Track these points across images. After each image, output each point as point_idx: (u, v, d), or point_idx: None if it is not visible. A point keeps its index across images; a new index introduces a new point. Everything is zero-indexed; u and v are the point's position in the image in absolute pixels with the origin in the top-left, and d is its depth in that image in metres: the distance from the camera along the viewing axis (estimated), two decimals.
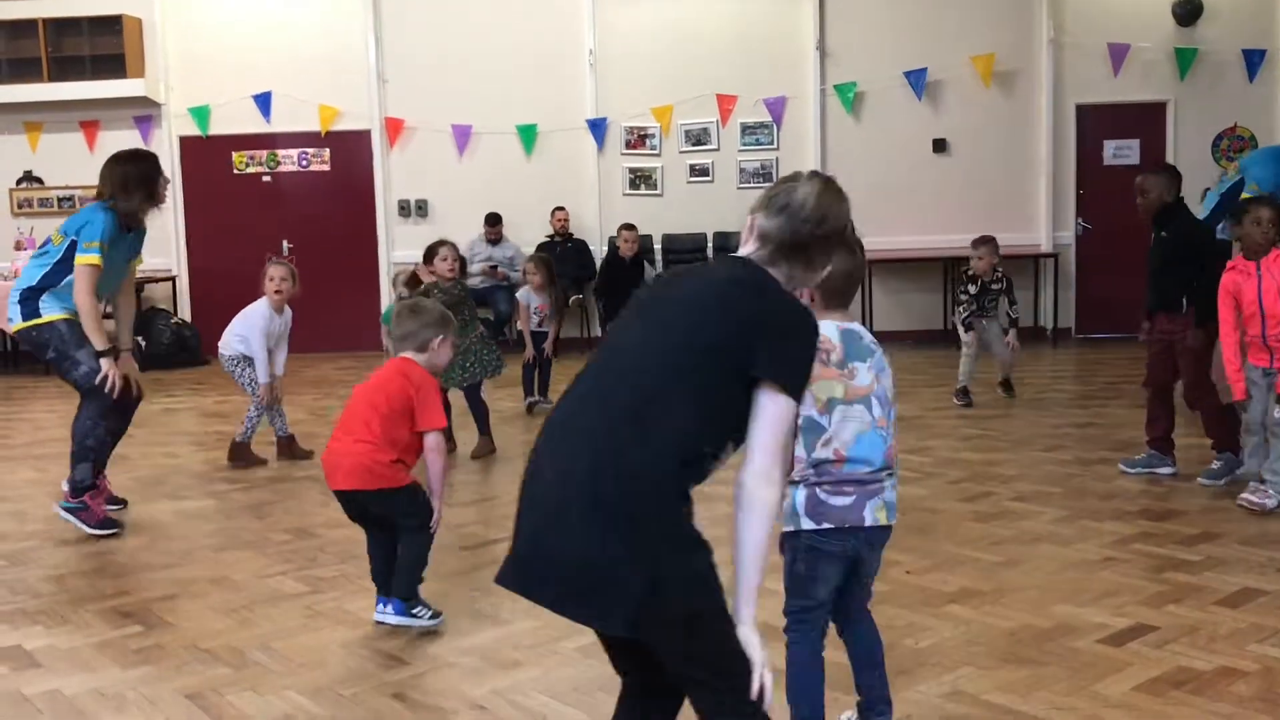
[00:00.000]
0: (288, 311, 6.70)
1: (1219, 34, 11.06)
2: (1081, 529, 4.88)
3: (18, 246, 10.77)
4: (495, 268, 10.89)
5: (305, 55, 11.53)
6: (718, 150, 11.55)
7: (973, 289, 8.06)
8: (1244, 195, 6.38)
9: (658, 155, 11.59)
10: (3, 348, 11.48)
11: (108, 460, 5.45)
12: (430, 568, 4.01)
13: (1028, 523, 5.01)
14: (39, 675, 3.62)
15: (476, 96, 11.43)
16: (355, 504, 3.97)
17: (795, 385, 2.15)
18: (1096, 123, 11.36)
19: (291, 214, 11.93)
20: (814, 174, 2.33)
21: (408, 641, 3.82)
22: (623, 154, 11.58)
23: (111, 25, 11.34)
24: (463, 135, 11.53)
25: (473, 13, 11.44)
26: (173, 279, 11.91)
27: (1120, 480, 5.71)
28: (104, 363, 5.17)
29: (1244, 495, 5.16)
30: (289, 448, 6.72)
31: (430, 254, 7.10)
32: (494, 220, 11.05)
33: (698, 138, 11.54)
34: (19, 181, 11.97)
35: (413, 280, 7.40)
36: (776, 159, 11.50)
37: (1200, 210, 7.12)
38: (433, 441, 3.93)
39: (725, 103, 11.40)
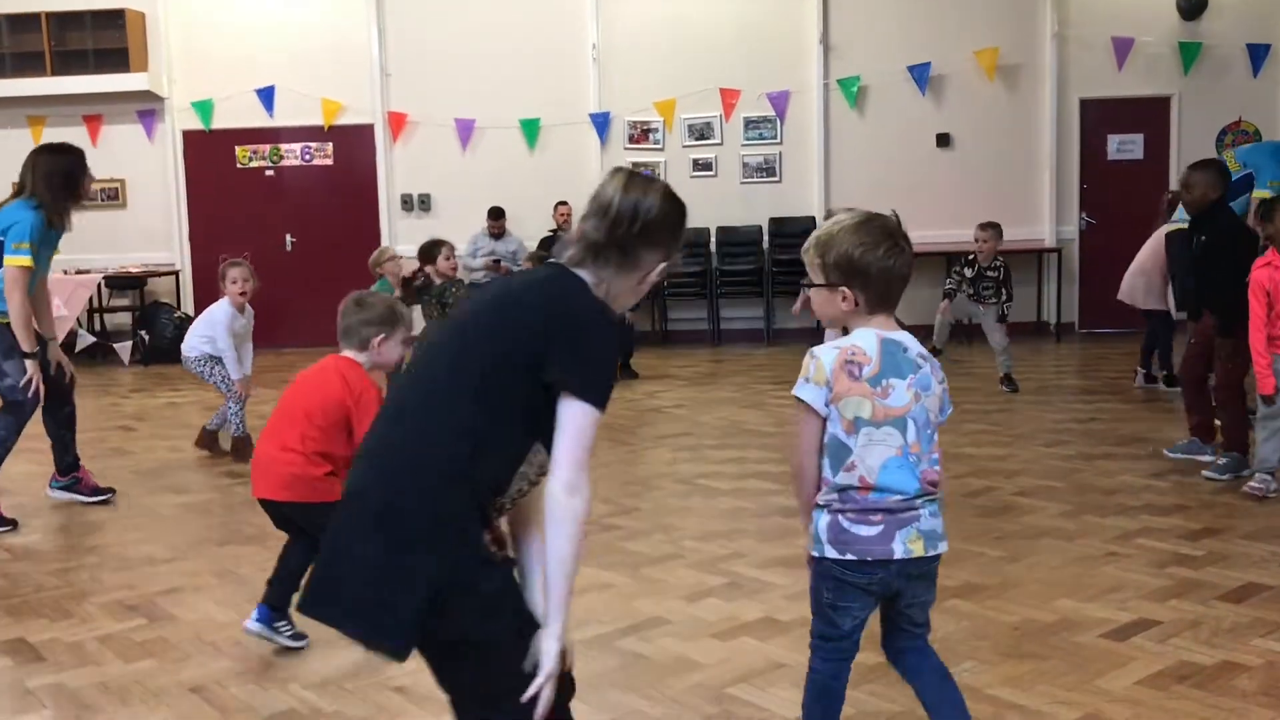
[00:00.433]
0: (249, 310, 6.71)
1: (1223, 28, 11.05)
2: (1085, 524, 4.88)
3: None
4: (499, 262, 10.89)
5: (308, 49, 11.53)
6: (721, 145, 11.54)
7: (969, 271, 8.12)
8: (1258, 192, 6.38)
9: (661, 150, 11.59)
10: None
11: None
12: None
13: (1031, 517, 5.00)
14: (42, 668, 3.62)
15: (479, 90, 11.43)
16: (280, 514, 3.70)
17: (593, 391, 2.06)
18: (1100, 117, 11.35)
19: (294, 208, 11.94)
20: (618, 170, 2.25)
21: None
22: (626, 148, 11.57)
23: (114, 19, 11.35)
24: (466, 129, 11.52)
25: (476, 7, 11.43)
26: (175, 273, 11.92)
27: (1123, 475, 5.71)
28: (30, 366, 5.15)
29: (1250, 484, 5.25)
30: (240, 447, 6.59)
31: (431, 253, 7.10)
32: (497, 214, 11.05)
33: (701, 132, 11.54)
34: None
35: (408, 279, 7.43)
36: (780, 153, 11.50)
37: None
38: None
39: (728, 97, 11.39)
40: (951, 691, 2.57)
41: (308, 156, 11.93)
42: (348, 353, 3.69)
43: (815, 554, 2.50)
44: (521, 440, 2.10)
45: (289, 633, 3.68)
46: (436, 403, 2.08)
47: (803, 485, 2.51)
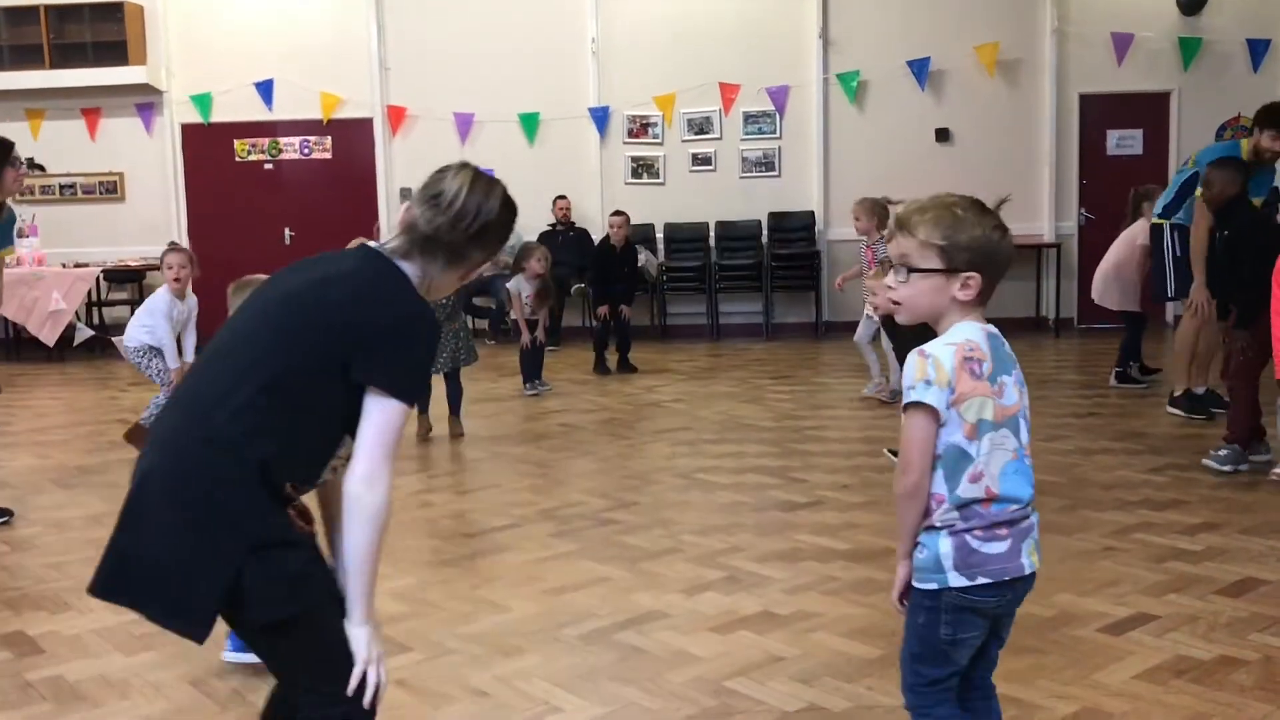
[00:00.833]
0: (192, 298, 6.57)
1: (1223, 23, 11.04)
2: (1083, 518, 4.88)
3: (19, 234, 10.75)
4: None
5: (307, 43, 11.52)
6: (720, 139, 11.53)
7: None
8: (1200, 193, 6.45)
9: (660, 144, 11.58)
10: (5, 335, 11.49)
11: None
12: (432, 555, 4.01)
13: None
14: (42, 661, 3.63)
15: (479, 85, 11.42)
16: None
17: (400, 387, 2.04)
18: (1100, 113, 11.34)
19: (293, 202, 11.93)
20: (464, 165, 2.21)
21: (409, 629, 3.82)
22: (625, 143, 11.57)
23: (113, 12, 11.32)
24: (465, 123, 11.51)
25: (475, 0, 11.42)
26: None
27: (1121, 470, 5.71)
28: None
29: (1276, 470, 5.37)
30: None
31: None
32: None
33: (700, 126, 11.53)
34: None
35: None
36: (779, 148, 11.49)
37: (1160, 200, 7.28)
38: None
39: (728, 91, 11.38)
40: None
41: (306, 150, 11.92)
42: None
43: (932, 586, 2.19)
44: (323, 433, 2.09)
45: None
46: (224, 388, 2.05)
47: (920, 506, 2.19)
